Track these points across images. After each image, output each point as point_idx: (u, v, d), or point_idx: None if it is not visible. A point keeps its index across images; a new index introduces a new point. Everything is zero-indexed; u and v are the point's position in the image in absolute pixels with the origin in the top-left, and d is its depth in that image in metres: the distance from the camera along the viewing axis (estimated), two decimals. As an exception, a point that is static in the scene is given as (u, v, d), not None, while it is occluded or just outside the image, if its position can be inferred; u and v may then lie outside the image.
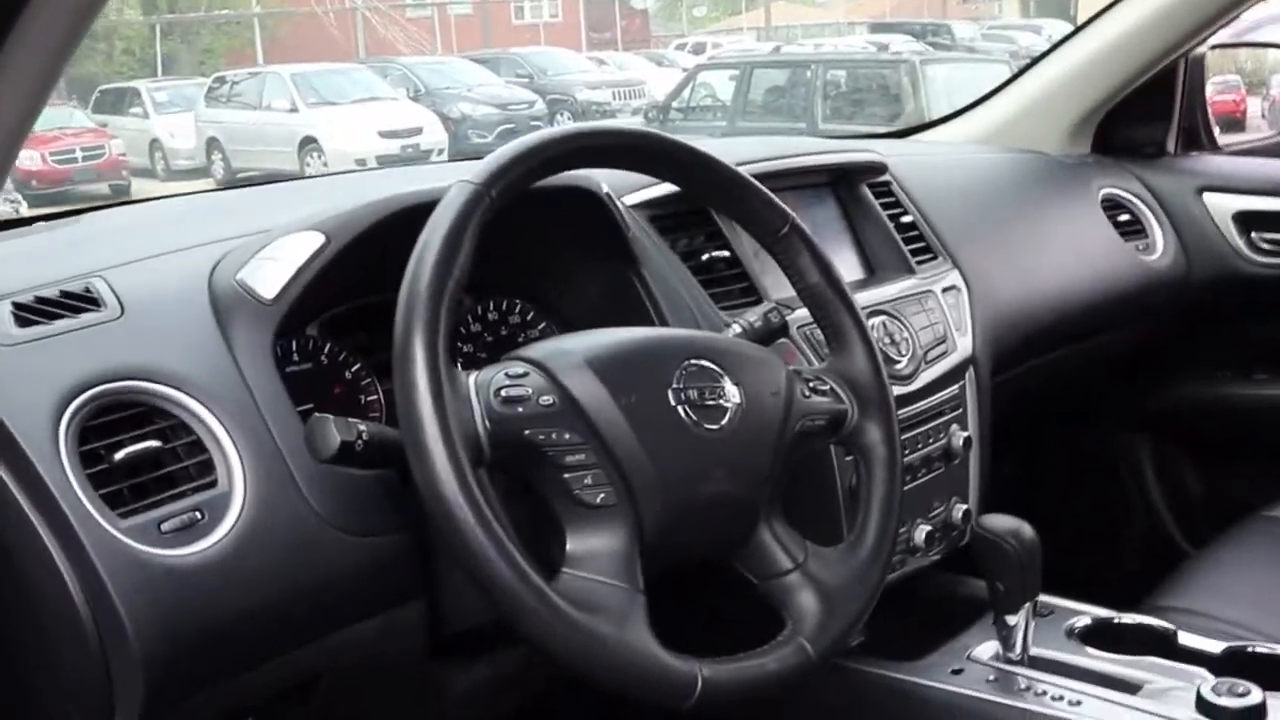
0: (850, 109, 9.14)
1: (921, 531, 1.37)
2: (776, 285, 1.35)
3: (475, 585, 0.83)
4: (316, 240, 1.02)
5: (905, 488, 1.28)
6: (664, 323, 1.20)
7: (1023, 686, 1.21)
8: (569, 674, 0.86)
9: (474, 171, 0.91)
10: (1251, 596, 1.54)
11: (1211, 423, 2.08)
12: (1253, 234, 1.97)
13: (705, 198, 1.07)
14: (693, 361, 0.97)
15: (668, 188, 1.29)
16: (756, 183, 1.06)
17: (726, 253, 1.33)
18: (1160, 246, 1.95)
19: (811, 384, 1.03)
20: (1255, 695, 1.12)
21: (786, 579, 0.98)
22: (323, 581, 0.93)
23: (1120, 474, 2.14)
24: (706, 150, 1.03)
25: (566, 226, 1.20)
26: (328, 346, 1.13)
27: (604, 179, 1.20)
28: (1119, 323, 1.88)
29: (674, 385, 0.95)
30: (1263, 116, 2.40)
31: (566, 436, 0.90)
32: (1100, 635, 1.30)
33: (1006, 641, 1.24)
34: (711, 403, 0.95)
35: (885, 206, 1.57)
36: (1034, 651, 1.25)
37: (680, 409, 0.94)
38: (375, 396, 1.15)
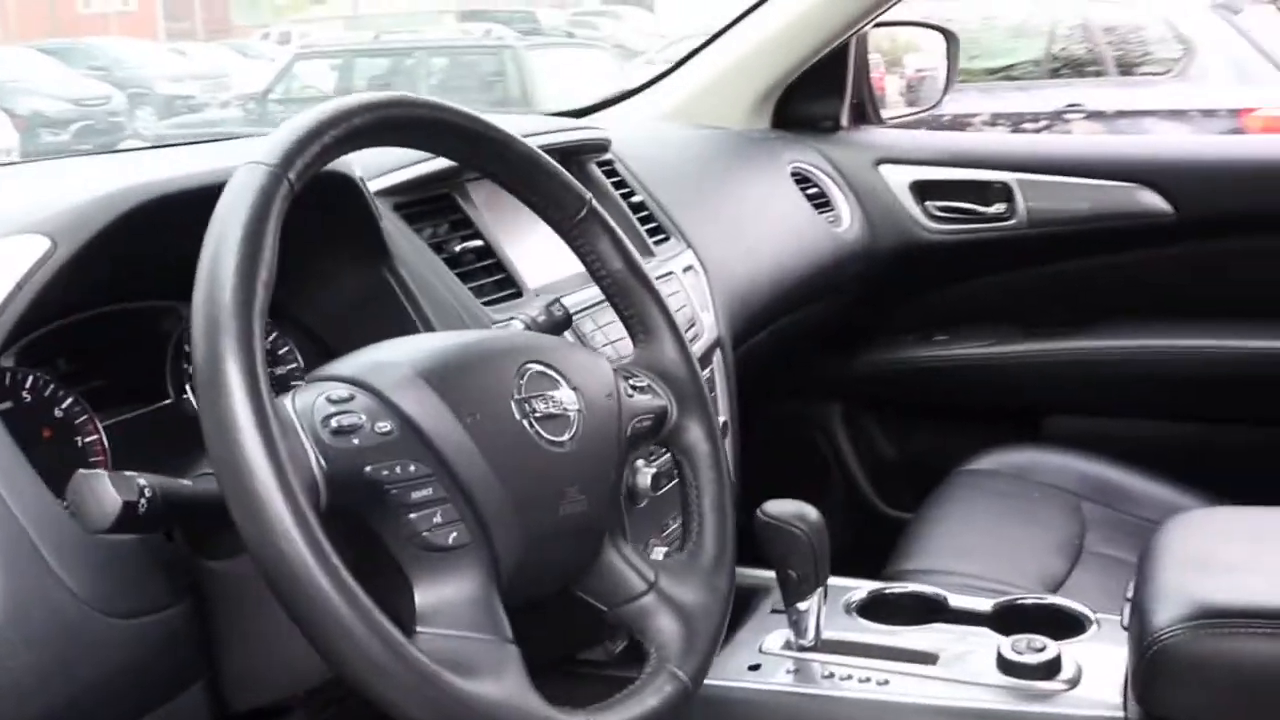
0: (455, 96, 9.03)
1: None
2: (532, 275, 1.26)
3: (326, 653, 0.68)
4: (39, 245, 0.82)
5: (667, 486, 1.22)
6: (429, 328, 1.07)
7: (825, 673, 1.18)
8: None
9: (264, 151, 0.75)
10: (983, 550, 1.60)
11: (898, 387, 2.16)
12: (927, 203, 2.06)
13: (498, 177, 0.94)
14: (528, 366, 0.85)
15: (415, 171, 1.17)
16: (555, 163, 0.95)
17: (478, 242, 1.22)
18: (846, 218, 2.00)
19: (631, 381, 0.94)
20: (1051, 648, 1.14)
21: (641, 602, 0.88)
22: (92, 680, 0.75)
23: (817, 443, 2.20)
24: (497, 125, 0.91)
25: (309, 220, 1.04)
26: (29, 379, 0.92)
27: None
28: (819, 294, 1.91)
29: (515, 396, 0.83)
30: (900, 94, 2.55)
31: (411, 469, 0.75)
32: (875, 608, 1.30)
33: (799, 628, 1.21)
34: (556, 413, 0.84)
35: (615, 186, 1.51)
36: (824, 635, 1.23)
37: (525, 422, 0.82)
38: (95, 437, 0.95)
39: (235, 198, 0.72)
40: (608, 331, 1.19)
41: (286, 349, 1.08)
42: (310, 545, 0.66)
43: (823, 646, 1.21)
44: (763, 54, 2.01)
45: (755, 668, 1.20)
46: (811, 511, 1.16)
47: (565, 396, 0.85)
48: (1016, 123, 6.35)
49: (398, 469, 0.75)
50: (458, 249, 1.19)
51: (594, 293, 1.24)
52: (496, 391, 0.82)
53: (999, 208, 2.03)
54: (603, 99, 2.16)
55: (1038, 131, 6.28)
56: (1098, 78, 6.80)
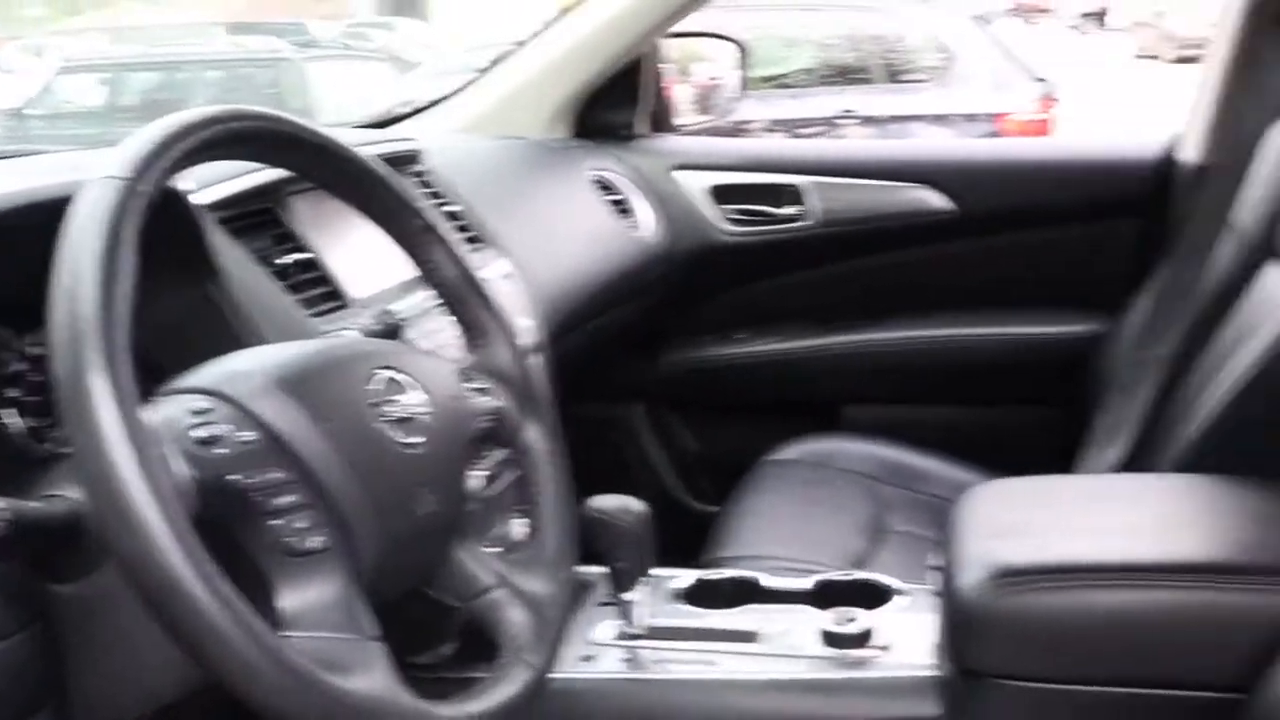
0: (233, 110, 8.79)
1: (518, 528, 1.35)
2: (357, 286, 1.28)
3: (202, 659, 0.68)
4: None
5: (495, 487, 1.26)
6: (259, 341, 1.07)
7: (656, 658, 1.23)
8: None
9: (115, 164, 0.75)
10: (791, 534, 1.69)
11: (701, 385, 2.24)
12: (723, 206, 2.15)
13: (338, 190, 0.96)
14: (378, 371, 0.87)
15: (238, 185, 1.17)
16: (395, 175, 0.98)
17: (302, 255, 1.22)
18: (647, 223, 2.07)
19: (471, 384, 0.97)
20: (865, 618, 1.22)
21: (491, 596, 0.92)
22: None
23: (624, 444, 2.26)
24: (336, 137, 0.93)
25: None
26: None
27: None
28: (623, 298, 1.97)
29: (368, 401, 0.85)
30: (691, 102, 2.63)
31: (273, 476, 0.77)
32: (698, 594, 1.35)
33: (628, 618, 1.25)
34: (407, 416, 0.86)
35: (430, 196, 1.53)
36: (651, 622, 1.28)
37: (380, 427, 0.84)
38: None
39: (89, 212, 0.72)
40: (433, 339, 1.22)
41: None
42: (188, 554, 0.67)
43: (652, 633, 1.26)
44: (561, 66, 2.05)
45: (588, 658, 1.24)
46: (636, 504, 1.22)
47: (415, 400, 0.88)
48: (793, 129, 6.58)
49: (261, 477, 0.76)
50: (280, 261, 1.20)
51: (418, 301, 1.27)
52: (350, 397, 0.84)
53: (791, 209, 2.13)
54: (404, 110, 2.17)
55: (813, 136, 6.54)
56: (867, 84, 7.09)
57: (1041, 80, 6.81)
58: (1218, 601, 1.09)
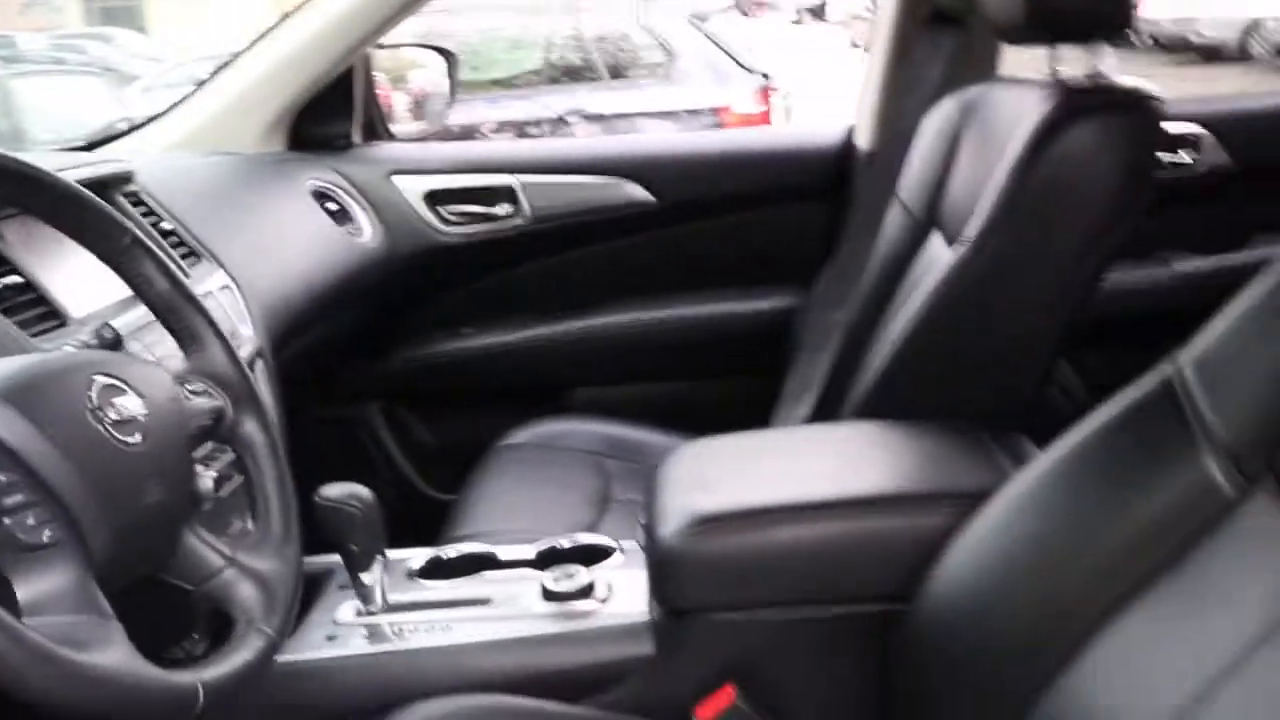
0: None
1: None
2: (76, 304, 1.31)
3: None
4: None
5: (227, 489, 1.32)
6: None
7: (395, 630, 1.32)
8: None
9: None
10: (523, 510, 1.80)
11: (432, 380, 2.32)
12: (439, 209, 2.24)
13: (44, 215, 1.01)
14: (96, 378, 0.93)
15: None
16: (95, 198, 1.03)
17: (16, 278, 1.25)
18: (367, 230, 2.14)
19: (188, 387, 1.04)
20: (583, 574, 1.34)
21: (222, 576, 0.99)
22: None
23: (363, 442, 2.32)
24: (37, 165, 0.98)
25: None
26: None
27: None
28: (348, 302, 2.04)
29: (88, 406, 0.91)
30: (408, 109, 2.69)
31: (1, 479, 0.82)
32: (434, 570, 1.45)
33: (366, 597, 1.34)
34: (126, 418, 0.93)
35: (143, 215, 1.57)
36: (390, 599, 1.36)
37: (100, 428, 0.90)
38: None
39: None
40: (154, 350, 1.27)
41: None
42: None
43: (390, 609, 1.35)
44: (274, 79, 2.09)
45: (332, 638, 1.32)
46: (363, 489, 1.30)
47: (132, 403, 0.95)
48: (522, 129, 6.71)
49: None
50: None
51: (137, 316, 1.31)
52: (71, 404, 0.90)
53: (505, 208, 2.24)
54: (112, 132, 2.17)
55: (543, 136, 6.69)
56: (593, 83, 7.28)
57: (760, 74, 7.13)
58: (879, 527, 1.26)
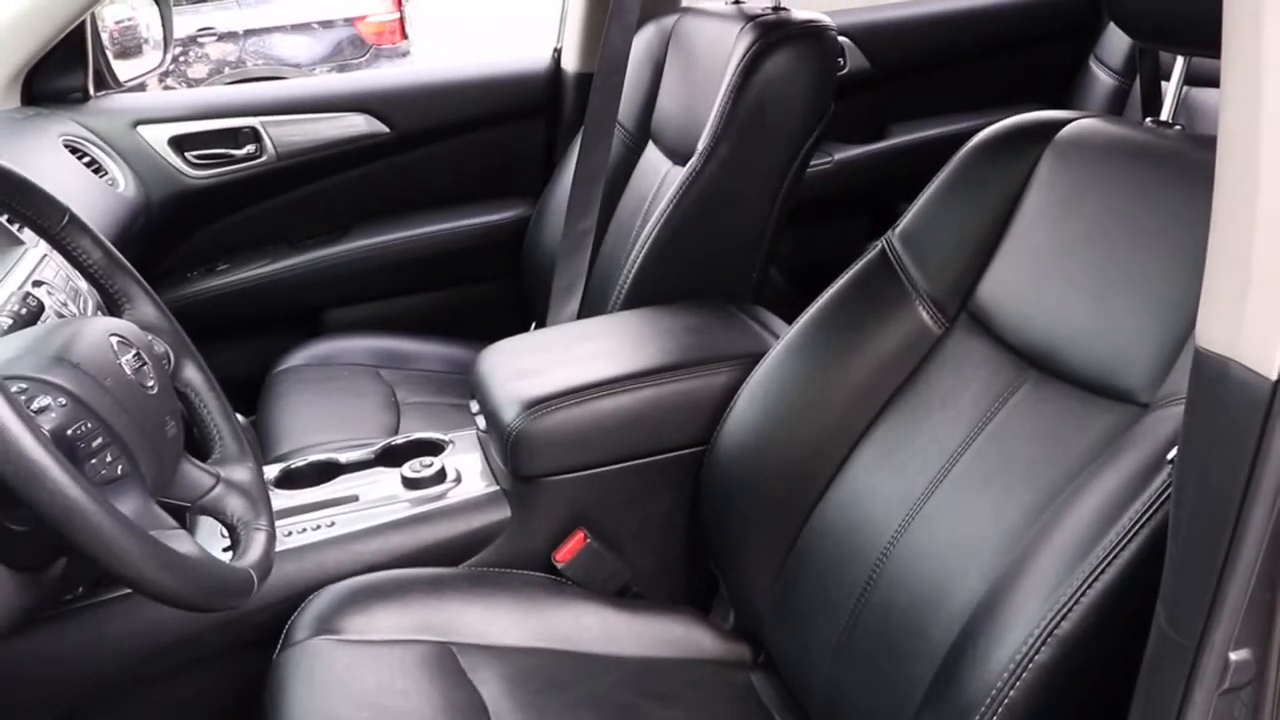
0: None
1: None
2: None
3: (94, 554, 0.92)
4: None
5: None
6: None
7: (286, 533, 1.51)
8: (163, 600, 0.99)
9: None
10: (330, 423, 1.99)
11: (195, 317, 2.42)
12: (186, 153, 2.34)
13: None
14: (112, 337, 1.10)
15: None
16: (37, 184, 1.17)
17: None
18: (121, 180, 2.22)
19: (133, 337, 1.20)
20: (435, 462, 1.59)
21: (214, 492, 1.18)
22: None
23: None
24: None
25: None
26: None
27: None
28: None
29: (119, 359, 1.08)
30: (108, 46, 2.65)
31: (89, 427, 0.99)
32: (288, 481, 1.65)
33: None
34: (139, 367, 1.10)
35: None
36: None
37: (132, 376, 1.08)
38: None
39: None
40: (72, 306, 1.39)
41: None
42: (74, 478, 0.90)
43: (276, 515, 1.55)
44: (8, 34, 2.11)
45: (227, 550, 1.51)
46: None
47: (136, 356, 1.12)
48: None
49: (77, 429, 0.99)
50: None
51: (18, 275, 1.43)
52: (109, 360, 1.08)
53: (250, 149, 2.38)
54: None
55: (175, 57, 6.50)
56: (220, 0, 7.11)
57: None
58: (679, 388, 1.58)
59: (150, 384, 1.12)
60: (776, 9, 1.96)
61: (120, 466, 1.03)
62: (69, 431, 1.00)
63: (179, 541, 1.03)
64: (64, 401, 1.01)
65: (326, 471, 1.66)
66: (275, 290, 2.44)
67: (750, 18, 1.91)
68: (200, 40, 6.86)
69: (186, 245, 2.41)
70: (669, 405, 1.58)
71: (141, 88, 2.55)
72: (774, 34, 1.85)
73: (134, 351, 1.12)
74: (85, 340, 1.10)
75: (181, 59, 6.84)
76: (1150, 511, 0.97)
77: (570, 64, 2.52)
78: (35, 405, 0.99)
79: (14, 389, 1.00)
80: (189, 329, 2.42)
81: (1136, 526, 0.96)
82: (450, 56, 8.67)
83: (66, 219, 1.21)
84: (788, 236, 2.02)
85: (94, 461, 1.01)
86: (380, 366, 2.23)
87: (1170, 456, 0.92)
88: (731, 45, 1.88)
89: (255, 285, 2.43)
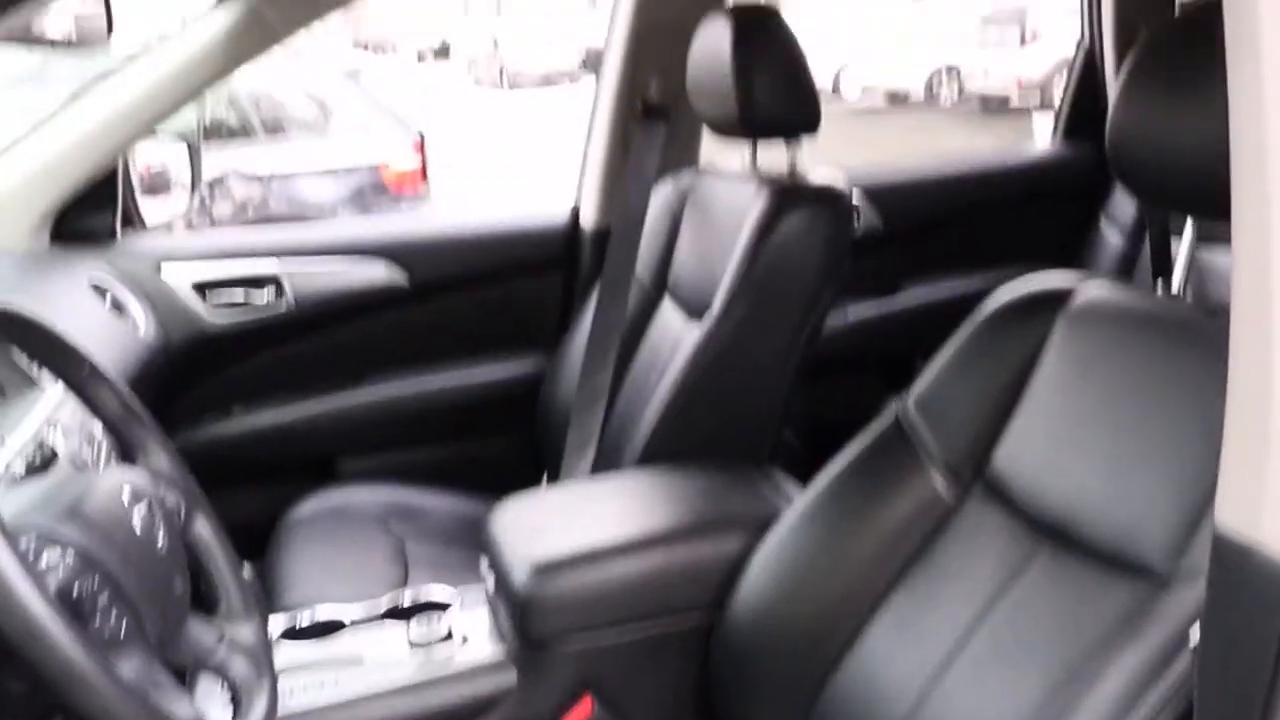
0: None
1: None
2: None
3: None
4: None
5: None
6: None
7: (288, 692, 1.48)
8: None
9: None
10: (340, 575, 1.98)
11: (206, 461, 2.41)
12: (207, 297, 2.37)
13: (24, 347, 1.16)
14: (125, 490, 1.10)
15: None
16: (63, 335, 1.19)
17: None
18: (142, 322, 2.24)
19: (146, 490, 1.20)
20: (441, 621, 1.57)
21: (219, 653, 1.16)
22: None
23: None
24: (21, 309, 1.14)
25: None
26: None
27: None
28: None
29: (129, 517, 1.07)
30: (137, 185, 2.70)
31: (94, 585, 0.99)
32: (289, 634, 1.63)
33: None
34: (154, 521, 1.10)
35: None
36: None
37: (145, 536, 1.08)
38: None
39: None
40: (85, 454, 1.40)
41: None
42: (77, 640, 0.90)
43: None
44: (44, 175, 2.15)
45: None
46: (243, 565, 1.48)
47: (149, 510, 1.12)
48: (180, 189, 6.60)
49: (82, 585, 0.99)
50: None
51: (35, 419, 1.44)
52: (120, 516, 1.07)
53: (270, 293, 2.40)
54: None
55: (200, 196, 6.64)
56: (248, 141, 7.27)
57: (414, 129, 7.35)
58: (689, 553, 1.57)
59: (160, 541, 1.11)
60: (791, 173, 2.00)
61: (125, 626, 1.02)
62: (75, 589, 0.99)
63: (179, 705, 1.01)
64: (72, 558, 1.01)
65: (332, 625, 1.64)
66: (289, 437, 2.45)
67: (767, 181, 1.95)
68: (226, 180, 7.00)
69: (203, 388, 2.42)
70: (680, 569, 1.56)
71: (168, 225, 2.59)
72: (789, 199, 1.89)
73: (146, 504, 1.12)
74: (98, 494, 1.10)
75: (208, 197, 6.97)
76: (1172, 697, 0.95)
77: (588, 220, 2.56)
78: (43, 561, 0.99)
79: (23, 543, 1.00)
80: (202, 472, 2.42)
81: (1158, 715, 0.94)
82: (468, 205, 8.85)
83: (88, 369, 1.22)
84: (801, 393, 2.03)
85: (99, 620, 1.01)
86: (390, 518, 2.22)
87: (1193, 644, 0.90)
88: (747, 208, 1.91)
89: (270, 431, 2.44)
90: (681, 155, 2.43)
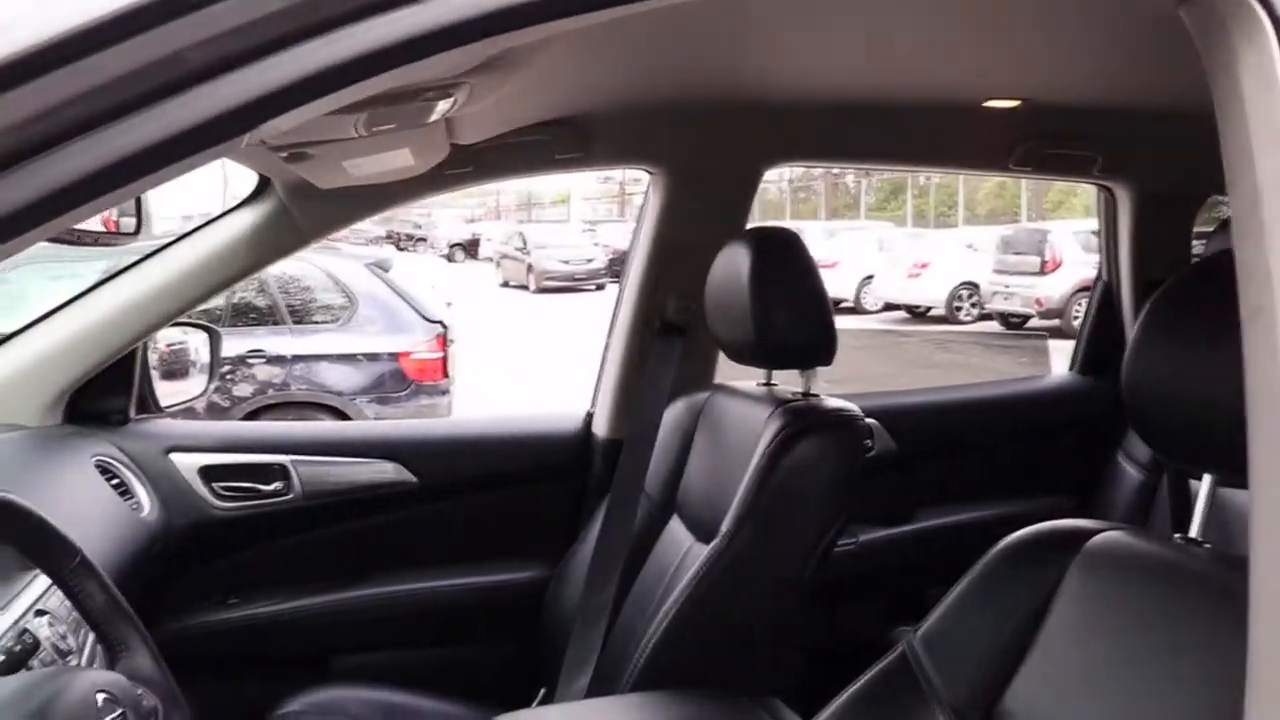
0: None
1: None
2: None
3: None
4: None
5: None
6: None
7: None
8: None
9: None
10: None
11: (200, 649, 2.38)
12: (214, 484, 2.36)
13: (11, 540, 1.14)
14: (99, 695, 1.06)
15: None
16: (49, 521, 1.17)
17: None
18: (146, 504, 2.23)
19: (121, 694, 1.17)
20: None
21: None
22: None
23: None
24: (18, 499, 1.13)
25: None
26: None
27: None
28: (126, 576, 2.09)
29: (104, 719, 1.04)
30: (154, 367, 2.74)
31: None
32: None
33: None
34: None
35: None
36: None
37: None
38: None
39: None
40: (66, 643, 1.37)
41: None
42: None
43: None
44: (62, 355, 2.19)
45: None
46: None
47: (126, 713, 1.08)
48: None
49: None
50: None
51: (19, 606, 1.41)
52: (88, 716, 1.03)
53: (277, 485, 2.40)
54: None
55: (223, 375, 6.71)
56: (274, 325, 7.38)
57: (438, 322, 7.45)
58: None
59: None
60: (806, 394, 1.99)
61: None
62: None
63: None
64: None
65: None
66: (284, 630, 2.40)
67: (781, 402, 1.95)
68: (250, 361, 7.07)
69: (201, 574, 2.39)
70: None
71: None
72: (803, 421, 1.88)
73: (119, 712, 1.08)
74: (69, 698, 1.06)
75: (229, 377, 7.03)
76: None
77: (601, 429, 2.56)
78: None
79: None
80: (192, 660, 2.38)
81: None
82: (487, 400, 8.89)
83: (76, 561, 1.20)
84: (808, 620, 1.98)
85: None
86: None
87: None
88: (761, 428, 1.90)
89: (265, 623, 2.39)
90: (697, 372, 2.44)
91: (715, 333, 2.09)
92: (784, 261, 1.93)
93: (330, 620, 2.42)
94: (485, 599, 2.49)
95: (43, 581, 1.52)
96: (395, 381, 7.35)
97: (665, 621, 1.84)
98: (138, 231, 1.47)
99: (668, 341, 2.34)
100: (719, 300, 2.02)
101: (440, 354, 7.53)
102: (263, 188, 2.23)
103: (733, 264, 1.96)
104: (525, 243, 23.60)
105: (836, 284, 16.43)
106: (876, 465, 2.66)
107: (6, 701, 1.03)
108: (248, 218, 2.21)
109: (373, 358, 7.33)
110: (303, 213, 2.21)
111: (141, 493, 2.24)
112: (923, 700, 1.35)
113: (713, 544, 1.84)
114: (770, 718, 1.68)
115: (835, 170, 27.54)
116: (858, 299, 17.98)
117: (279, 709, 2.15)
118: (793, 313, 1.91)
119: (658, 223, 2.50)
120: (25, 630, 1.29)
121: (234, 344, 6.98)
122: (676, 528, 2.13)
